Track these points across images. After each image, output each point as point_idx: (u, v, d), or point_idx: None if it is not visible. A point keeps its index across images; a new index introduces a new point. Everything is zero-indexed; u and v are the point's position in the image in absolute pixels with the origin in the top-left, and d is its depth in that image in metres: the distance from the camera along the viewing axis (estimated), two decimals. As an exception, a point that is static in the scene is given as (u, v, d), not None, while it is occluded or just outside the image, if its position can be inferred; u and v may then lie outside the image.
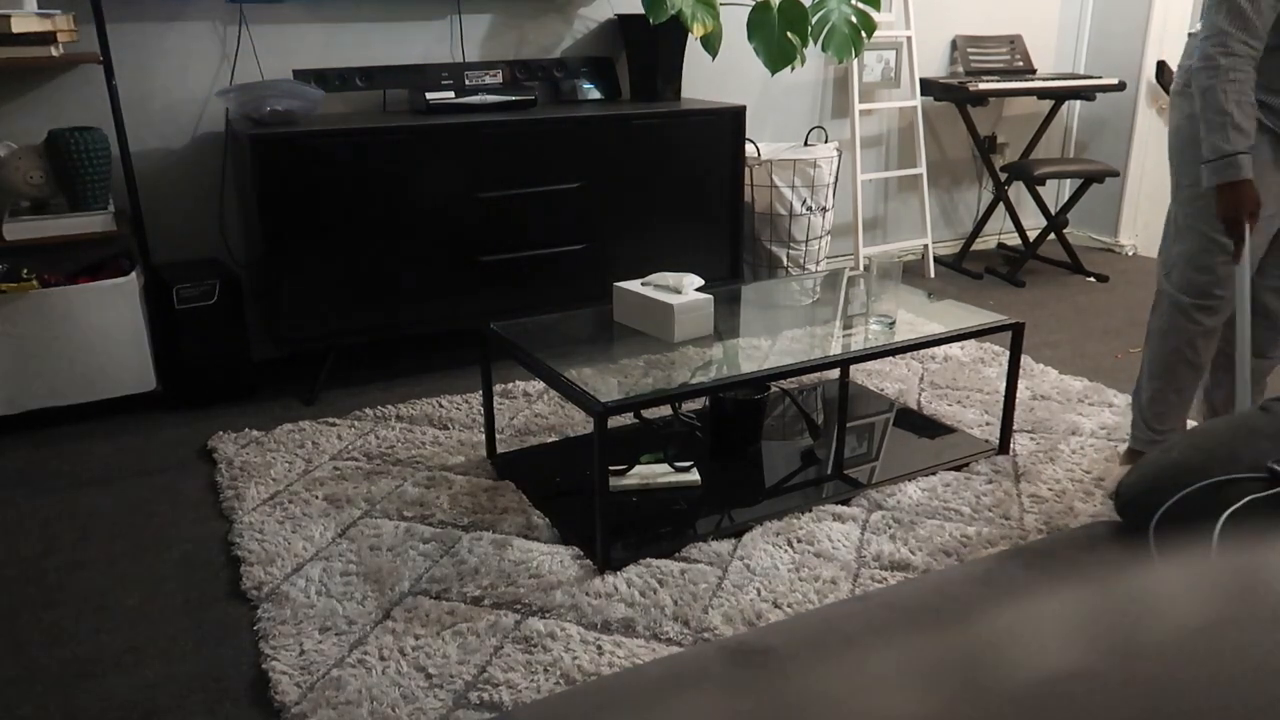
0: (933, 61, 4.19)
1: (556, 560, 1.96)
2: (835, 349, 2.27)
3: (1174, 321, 2.11)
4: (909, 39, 4.01)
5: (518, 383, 2.91)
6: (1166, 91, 4.23)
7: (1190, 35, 1.99)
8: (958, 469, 2.34)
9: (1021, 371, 2.90)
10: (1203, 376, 2.18)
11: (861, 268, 3.96)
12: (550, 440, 2.55)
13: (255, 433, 2.58)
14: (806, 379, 2.90)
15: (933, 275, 4.13)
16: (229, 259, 3.06)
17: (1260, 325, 2.20)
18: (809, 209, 3.48)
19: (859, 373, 2.97)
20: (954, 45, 4.21)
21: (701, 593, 1.86)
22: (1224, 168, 1.88)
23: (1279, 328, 2.22)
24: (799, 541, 2.02)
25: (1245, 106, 1.86)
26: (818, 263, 3.59)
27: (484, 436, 2.50)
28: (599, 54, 3.44)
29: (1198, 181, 1.99)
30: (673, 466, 2.28)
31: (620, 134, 3.04)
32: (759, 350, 2.23)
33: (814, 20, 3.26)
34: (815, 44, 3.31)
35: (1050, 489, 2.25)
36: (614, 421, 1.94)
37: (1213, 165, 1.90)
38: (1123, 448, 2.41)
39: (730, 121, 3.20)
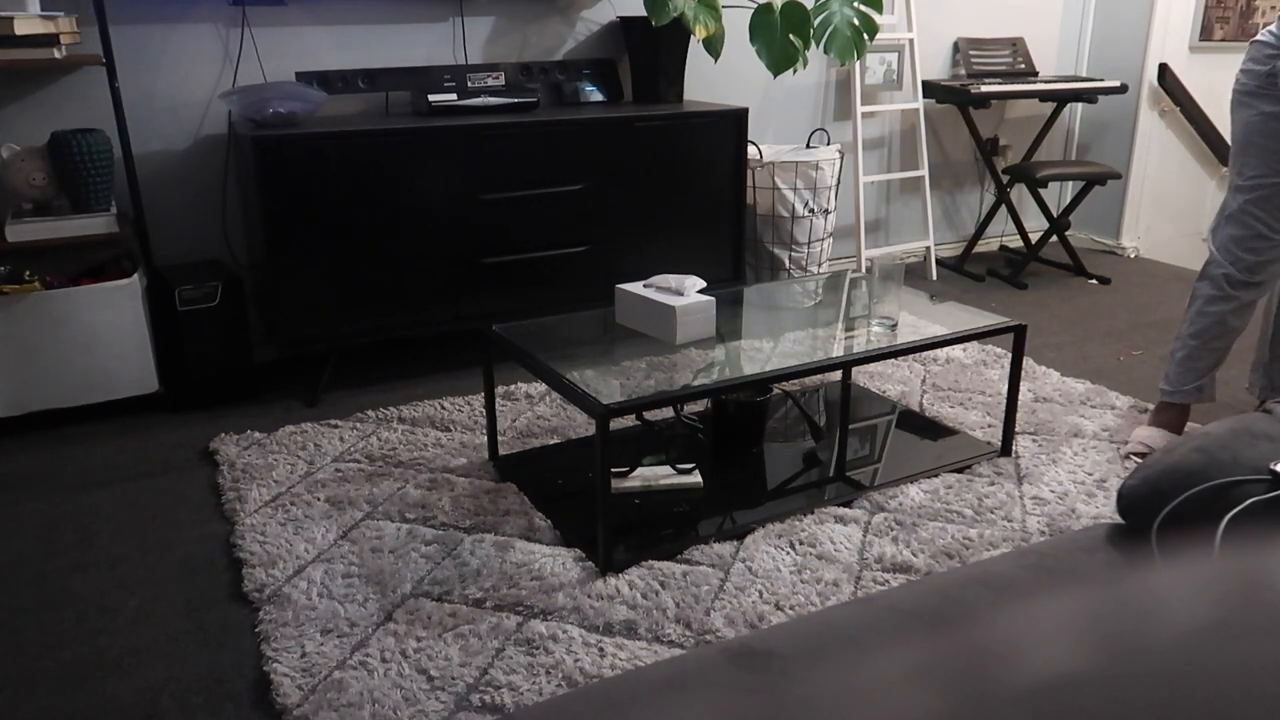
0: (935, 64, 4.19)
1: (558, 562, 1.96)
2: (837, 351, 2.27)
3: (1219, 290, 2.34)
4: (911, 41, 4.01)
5: (520, 384, 2.91)
6: (1169, 94, 4.25)
7: (1252, 43, 2.18)
8: (960, 471, 2.34)
9: (1024, 373, 2.90)
10: (1237, 338, 2.38)
11: (864, 270, 3.96)
12: (552, 442, 2.55)
13: (257, 434, 2.58)
14: (809, 381, 2.90)
15: (935, 277, 4.13)
16: (231, 261, 3.06)
17: None
18: (811, 211, 3.48)
19: (861, 375, 2.97)
20: (956, 47, 4.21)
21: (703, 595, 1.85)
22: None
23: None
24: (801, 544, 2.02)
25: None
26: (820, 265, 3.59)
27: (486, 438, 2.50)
28: (601, 56, 3.45)
29: (1258, 175, 2.22)
30: (675, 468, 2.28)
31: (622, 136, 3.04)
32: (761, 352, 2.23)
33: (816, 22, 3.26)
34: (817, 46, 3.31)
35: (1052, 491, 2.25)
36: (616, 423, 1.94)
37: None
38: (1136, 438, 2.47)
39: (732, 124, 3.20)
